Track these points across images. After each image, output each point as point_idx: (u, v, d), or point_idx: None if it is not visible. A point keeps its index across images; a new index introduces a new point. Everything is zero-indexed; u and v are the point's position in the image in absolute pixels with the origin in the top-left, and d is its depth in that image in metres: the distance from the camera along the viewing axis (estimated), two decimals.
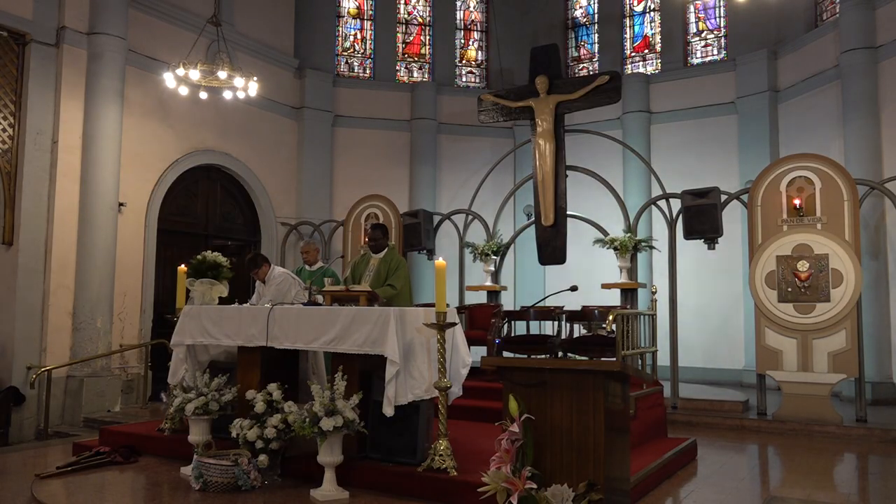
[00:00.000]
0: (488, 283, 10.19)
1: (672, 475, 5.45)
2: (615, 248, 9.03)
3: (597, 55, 14.08)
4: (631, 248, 8.99)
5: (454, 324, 4.85)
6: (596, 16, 14.17)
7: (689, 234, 8.80)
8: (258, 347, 5.42)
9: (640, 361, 7.33)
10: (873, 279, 9.34)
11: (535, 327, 7.49)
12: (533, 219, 9.77)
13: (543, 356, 6.21)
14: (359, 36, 14.03)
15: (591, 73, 13.47)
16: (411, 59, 14.30)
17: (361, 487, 4.73)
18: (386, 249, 6.74)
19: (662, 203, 9.29)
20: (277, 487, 4.86)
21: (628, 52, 13.85)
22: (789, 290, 7.87)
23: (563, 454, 3.98)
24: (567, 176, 9.41)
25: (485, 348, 7.45)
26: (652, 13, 13.66)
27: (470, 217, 10.80)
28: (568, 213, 9.43)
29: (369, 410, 4.95)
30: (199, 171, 11.11)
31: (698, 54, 13.08)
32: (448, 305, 4.72)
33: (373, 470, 4.83)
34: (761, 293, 8.02)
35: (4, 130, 8.66)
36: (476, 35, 14.71)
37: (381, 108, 13.40)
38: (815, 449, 6.74)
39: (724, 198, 8.81)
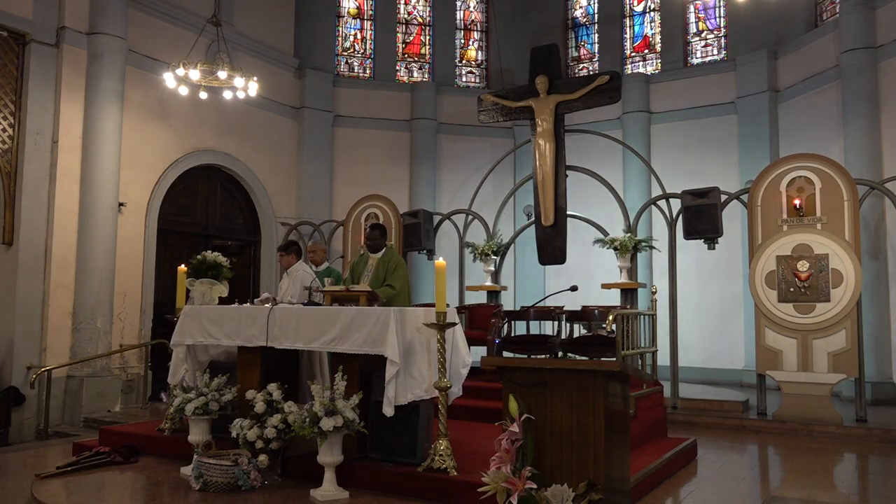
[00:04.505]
0: (488, 283, 10.19)
1: (672, 475, 5.45)
2: (615, 248, 9.03)
3: (597, 55, 14.08)
4: (631, 248, 8.98)
5: (454, 324, 4.85)
6: (596, 16, 14.17)
7: (689, 234, 8.80)
8: (258, 347, 5.42)
9: (640, 361, 7.33)
10: (873, 279, 9.33)
11: (535, 327, 7.48)
12: (533, 219, 9.77)
13: (543, 356, 6.20)
14: (359, 36, 14.03)
15: (591, 73, 13.46)
16: (411, 59, 14.30)
17: (361, 487, 4.73)
18: (384, 249, 6.75)
19: (662, 203, 9.29)
20: (277, 487, 4.85)
21: (628, 52, 13.86)
22: (789, 290, 7.87)
23: (563, 454, 3.98)
24: (567, 176, 9.41)
25: (485, 348, 7.45)
26: (652, 13, 13.67)
27: (470, 217, 10.80)
28: (568, 213, 9.43)
29: (369, 410, 4.95)
30: (199, 171, 11.11)
31: (698, 54, 13.08)
32: (448, 305, 4.72)
33: (373, 470, 4.83)
34: (761, 293, 8.02)
35: (4, 130, 8.66)
36: (476, 35, 14.71)
37: (381, 108, 13.40)
38: (815, 449, 6.74)
39: (724, 198, 8.81)
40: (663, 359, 8.52)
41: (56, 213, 8.93)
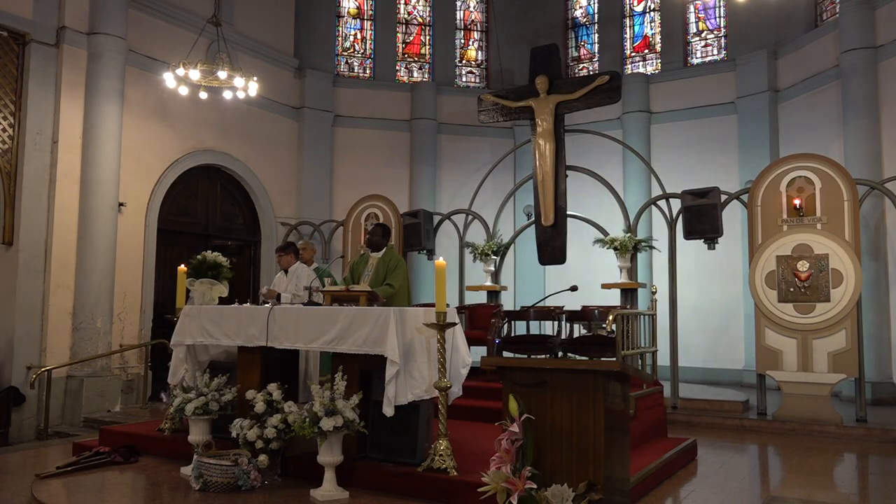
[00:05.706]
0: (488, 283, 10.19)
1: (672, 475, 5.45)
2: (615, 248, 9.03)
3: (597, 55, 14.08)
4: (631, 248, 8.99)
5: (454, 324, 4.84)
6: (596, 16, 14.17)
7: (689, 234, 8.80)
8: (258, 347, 5.42)
9: (640, 361, 7.33)
10: (873, 279, 9.33)
11: (535, 327, 7.48)
12: (533, 219, 9.77)
13: (543, 356, 6.20)
14: (359, 36, 14.03)
15: (591, 73, 13.47)
16: (411, 59, 14.30)
17: (361, 487, 4.73)
18: (384, 249, 6.75)
19: (662, 203, 9.29)
20: (277, 487, 4.85)
21: (628, 52, 13.85)
22: (789, 290, 7.87)
23: (563, 454, 3.98)
24: (567, 176, 9.41)
25: (485, 348, 7.45)
26: (652, 13, 13.67)
27: (470, 217, 10.80)
28: (568, 213, 9.43)
29: (369, 410, 4.95)
30: (199, 171, 11.11)
31: (698, 54, 13.08)
32: (448, 305, 4.72)
33: (373, 470, 4.83)
34: (761, 293, 8.02)
35: (4, 130, 8.66)
36: (476, 35, 14.71)
37: (381, 108, 13.41)
38: (815, 449, 6.74)
39: (724, 198, 8.81)
40: (663, 359, 8.52)
41: (56, 213, 8.92)
